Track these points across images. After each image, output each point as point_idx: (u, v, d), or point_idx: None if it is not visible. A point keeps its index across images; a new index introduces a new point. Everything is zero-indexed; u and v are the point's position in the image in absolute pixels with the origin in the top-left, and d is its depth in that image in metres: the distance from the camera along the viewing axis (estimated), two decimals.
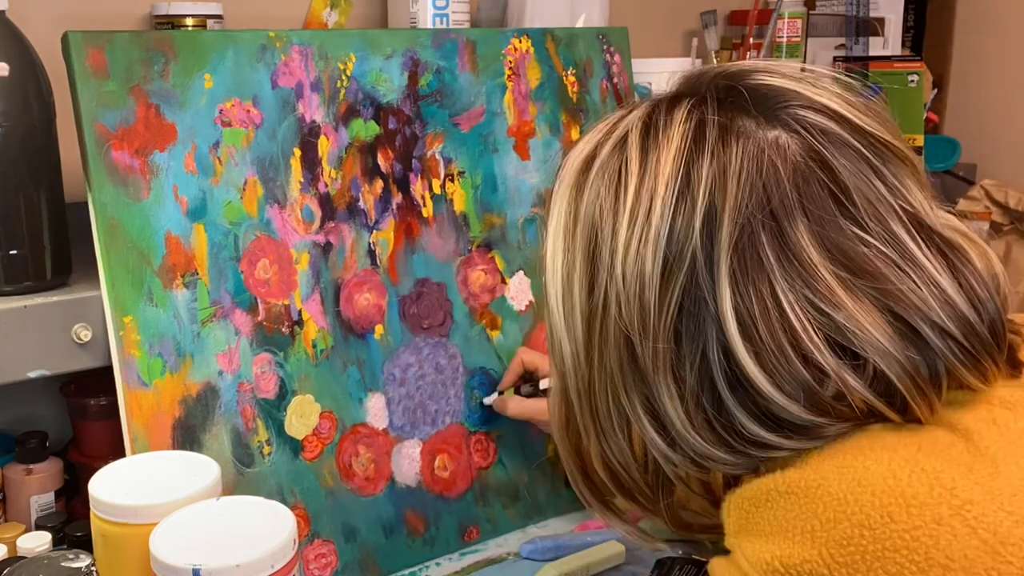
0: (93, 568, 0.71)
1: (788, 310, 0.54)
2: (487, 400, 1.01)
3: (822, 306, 0.54)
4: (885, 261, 0.55)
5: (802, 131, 0.57)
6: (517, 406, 0.98)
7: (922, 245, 0.57)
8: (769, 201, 0.55)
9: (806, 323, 0.54)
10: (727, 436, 0.56)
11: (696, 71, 0.65)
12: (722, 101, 0.59)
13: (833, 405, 0.54)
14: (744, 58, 1.51)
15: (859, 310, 0.54)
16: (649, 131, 0.60)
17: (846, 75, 0.63)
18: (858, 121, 0.59)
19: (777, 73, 0.61)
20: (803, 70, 0.62)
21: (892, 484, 0.50)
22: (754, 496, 0.55)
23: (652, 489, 0.64)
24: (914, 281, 0.55)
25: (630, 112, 0.63)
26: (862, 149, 0.58)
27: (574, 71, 1.09)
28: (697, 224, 0.56)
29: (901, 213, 0.57)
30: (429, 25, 1.15)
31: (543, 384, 0.97)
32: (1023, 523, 0.48)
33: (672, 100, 0.61)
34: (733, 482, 0.59)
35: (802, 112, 0.58)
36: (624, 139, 0.61)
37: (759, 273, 0.55)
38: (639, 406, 0.59)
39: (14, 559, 0.80)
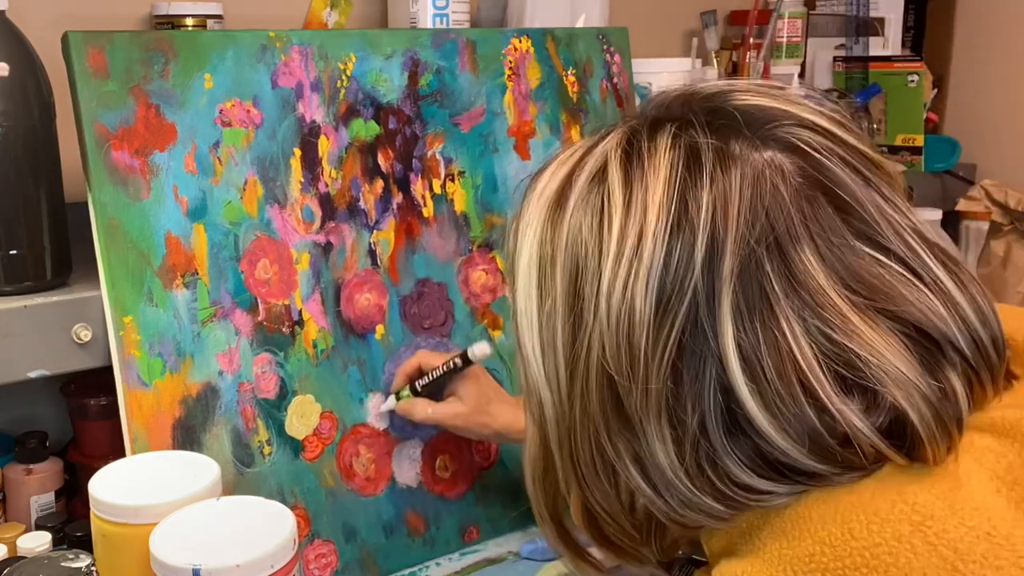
0: (93, 568, 0.71)
1: (795, 343, 0.51)
2: (385, 407, 0.95)
3: (834, 335, 0.51)
4: (902, 280, 0.52)
5: (798, 149, 0.54)
6: (423, 411, 0.92)
7: (935, 260, 0.54)
8: (773, 228, 0.52)
9: (813, 358, 0.51)
10: (720, 484, 0.53)
11: (670, 94, 0.60)
12: (711, 124, 0.55)
13: (840, 452, 0.51)
14: (744, 58, 1.51)
15: (876, 336, 0.51)
16: (631, 159, 0.55)
17: (816, 91, 0.60)
18: (847, 137, 0.56)
19: (757, 92, 0.58)
20: (776, 88, 0.59)
21: (855, 499, 0.49)
22: (739, 528, 0.54)
23: (642, 532, 0.60)
24: (934, 299, 0.52)
25: (602, 140, 0.59)
26: (857, 165, 0.55)
27: (574, 71, 1.09)
28: (699, 257, 0.51)
29: (908, 228, 0.54)
30: (429, 25, 1.15)
31: (433, 375, 0.92)
32: (983, 539, 0.47)
33: (652, 125, 0.57)
34: None
35: (794, 130, 0.55)
36: (603, 169, 0.56)
37: (764, 305, 0.51)
38: (624, 453, 0.55)
39: (14, 559, 0.80)
